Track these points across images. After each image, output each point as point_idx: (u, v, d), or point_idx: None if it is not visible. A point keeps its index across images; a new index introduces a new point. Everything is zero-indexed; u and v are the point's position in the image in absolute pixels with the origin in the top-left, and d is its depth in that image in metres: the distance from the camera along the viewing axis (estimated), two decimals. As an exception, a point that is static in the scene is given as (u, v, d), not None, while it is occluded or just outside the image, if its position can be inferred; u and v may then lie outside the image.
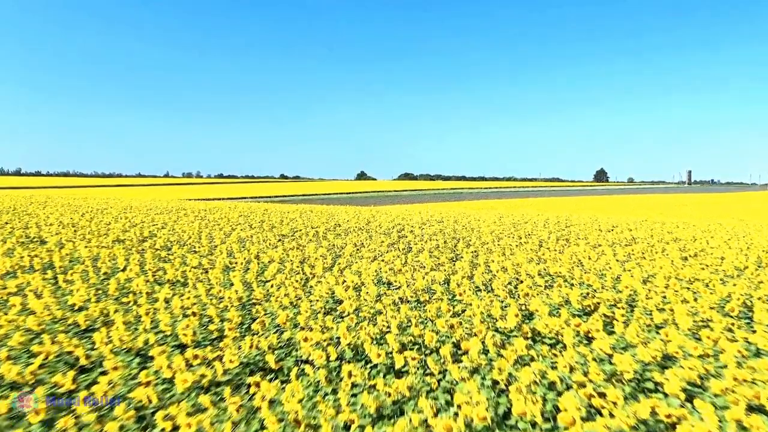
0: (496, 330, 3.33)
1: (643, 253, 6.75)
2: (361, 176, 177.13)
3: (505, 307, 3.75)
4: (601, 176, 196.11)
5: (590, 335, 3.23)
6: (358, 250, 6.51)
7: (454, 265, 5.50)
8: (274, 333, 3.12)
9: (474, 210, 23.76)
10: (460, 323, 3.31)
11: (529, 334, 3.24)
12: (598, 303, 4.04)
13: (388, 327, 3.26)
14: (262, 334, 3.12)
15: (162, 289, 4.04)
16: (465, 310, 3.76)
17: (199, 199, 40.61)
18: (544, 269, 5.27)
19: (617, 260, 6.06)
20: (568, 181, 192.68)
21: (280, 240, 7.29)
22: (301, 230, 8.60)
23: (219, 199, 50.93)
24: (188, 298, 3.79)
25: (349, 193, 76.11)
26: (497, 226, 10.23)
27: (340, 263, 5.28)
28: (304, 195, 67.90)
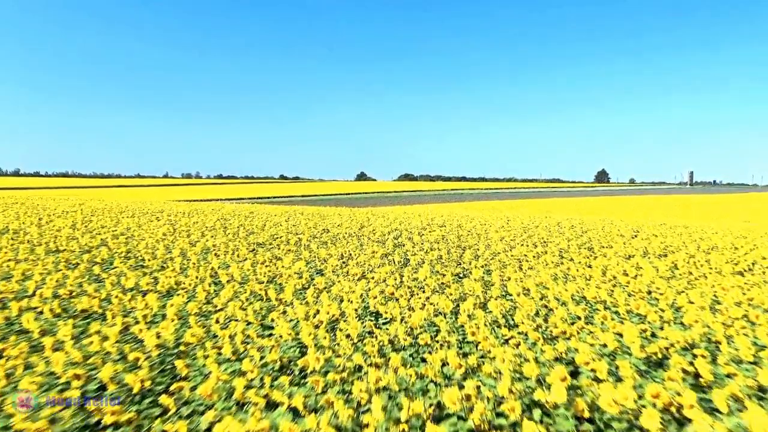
0: (536, 404, 2.19)
1: (686, 266, 5.61)
2: (361, 177, 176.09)
3: (541, 360, 2.62)
4: (602, 177, 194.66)
5: (680, 412, 2.10)
6: (344, 264, 5.38)
7: (462, 284, 4.36)
8: (186, 419, 1.98)
9: (477, 211, 22.62)
10: (478, 391, 2.18)
11: (586, 412, 2.10)
12: (668, 348, 2.91)
13: (369, 398, 2.13)
14: (168, 419, 1.98)
15: (63, 327, 2.91)
16: (483, 362, 2.62)
17: (194, 200, 39.50)
18: (578, 292, 4.13)
19: (661, 277, 4.93)
20: (568, 181, 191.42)
21: (253, 251, 6.16)
22: (281, 237, 7.46)
23: (216, 200, 50.08)
24: (91, 342, 2.67)
25: (349, 193, 75.16)
26: (506, 232, 9.09)
27: (317, 283, 4.15)
28: (303, 196, 67.00)
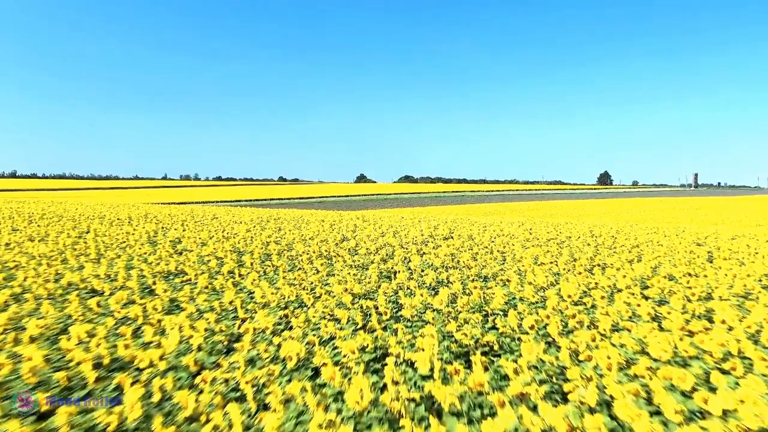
0: None
1: None
2: (361, 179, 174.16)
3: None
4: (605, 179, 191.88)
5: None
6: (285, 322, 3.03)
7: (505, 381, 2.00)
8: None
9: (483, 215, 20.14)
10: None
11: None
12: None
13: None
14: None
15: None
16: None
17: (189, 203, 37.33)
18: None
19: None
20: (570, 183, 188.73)
21: (148, 288, 3.80)
22: (222, 259, 5.11)
23: (214, 202, 48.12)
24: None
25: (347, 196, 73.30)
26: (538, 248, 6.72)
27: (199, 407, 1.79)
28: (300, 198, 65.23)
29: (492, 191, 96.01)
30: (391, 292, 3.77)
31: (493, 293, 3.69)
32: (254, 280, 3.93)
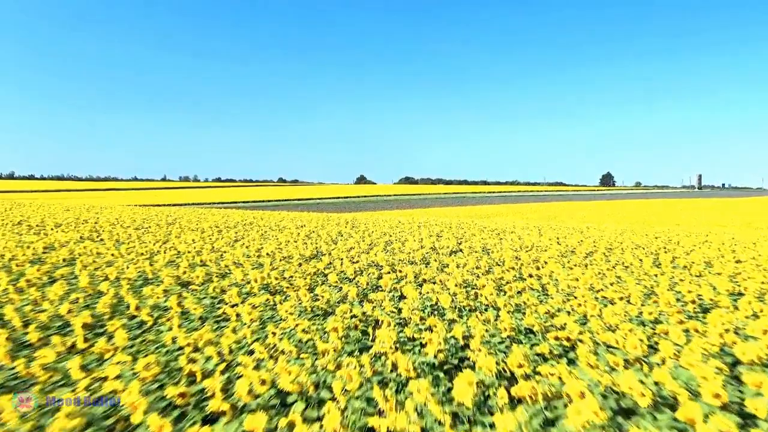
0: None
1: None
2: (361, 180, 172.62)
3: None
4: (607, 180, 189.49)
5: None
6: None
7: None
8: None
9: (496, 218, 18.06)
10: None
11: None
12: None
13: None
14: None
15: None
16: None
17: (188, 204, 35.48)
18: None
19: None
20: (572, 185, 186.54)
21: None
22: (101, 294, 3.21)
23: (211, 203, 46.56)
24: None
25: (347, 197, 71.74)
26: (583, 268, 4.78)
27: None
28: (298, 200, 63.65)
29: (493, 192, 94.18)
30: (357, 384, 1.86)
31: (562, 389, 1.78)
32: (142, 345, 2.02)
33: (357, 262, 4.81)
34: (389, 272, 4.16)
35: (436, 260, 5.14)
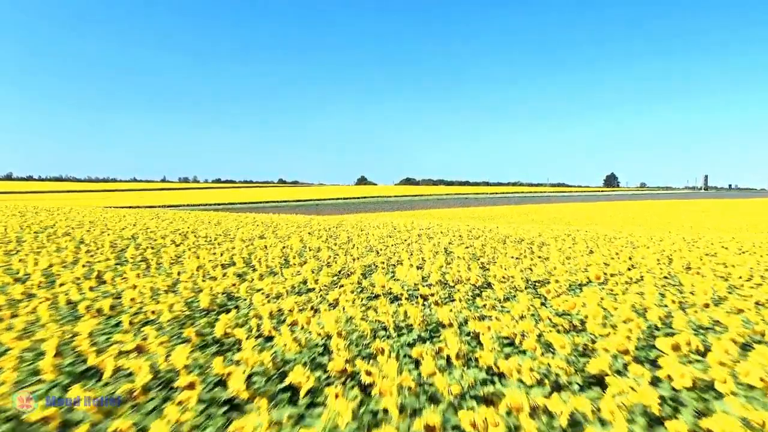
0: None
1: None
2: (362, 181, 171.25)
3: None
4: (611, 181, 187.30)
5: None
6: None
7: None
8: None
9: (506, 222, 16.24)
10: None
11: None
12: None
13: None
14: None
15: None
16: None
17: (192, 205, 34.11)
18: None
19: None
20: (576, 186, 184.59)
21: None
22: None
23: (210, 204, 45.38)
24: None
25: (346, 198, 70.57)
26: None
27: None
28: (298, 201, 62.55)
29: (496, 193, 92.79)
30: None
31: None
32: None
33: (294, 331, 2.59)
34: (339, 377, 2.03)
35: (451, 320, 2.76)
